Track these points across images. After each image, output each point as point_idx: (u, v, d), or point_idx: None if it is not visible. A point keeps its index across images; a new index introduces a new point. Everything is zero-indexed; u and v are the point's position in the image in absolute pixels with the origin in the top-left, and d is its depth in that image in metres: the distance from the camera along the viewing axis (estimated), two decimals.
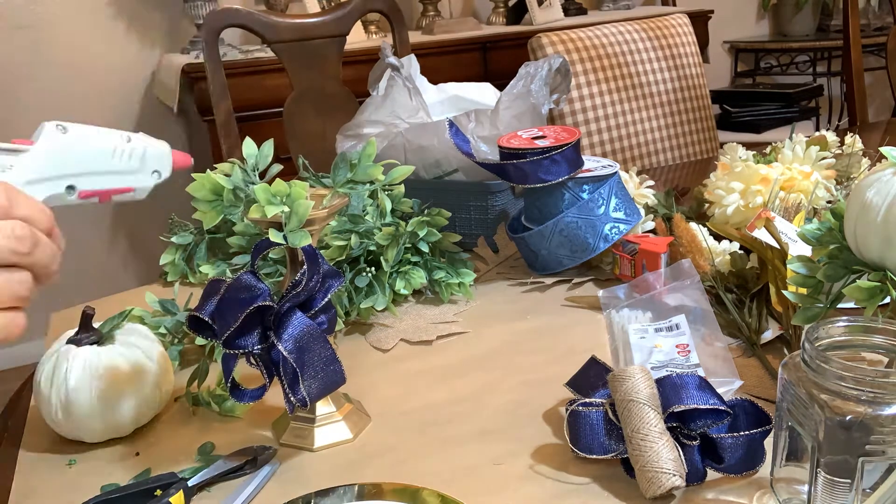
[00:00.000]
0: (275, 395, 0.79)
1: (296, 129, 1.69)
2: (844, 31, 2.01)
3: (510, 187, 1.12)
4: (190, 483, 0.62)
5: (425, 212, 0.99)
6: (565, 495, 0.60)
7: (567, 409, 0.63)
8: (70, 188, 0.56)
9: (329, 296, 0.66)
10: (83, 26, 2.57)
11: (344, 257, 0.92)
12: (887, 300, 0.59)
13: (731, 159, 1.06)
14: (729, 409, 0.59)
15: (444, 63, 2.53)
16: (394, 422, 0.73)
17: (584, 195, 0.98)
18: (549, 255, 0.99)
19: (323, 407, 0.70)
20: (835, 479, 0.50)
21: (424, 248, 0.96)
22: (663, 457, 0.57)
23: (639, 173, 1.14)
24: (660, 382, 0.61)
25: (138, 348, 0.72)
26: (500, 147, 1.01)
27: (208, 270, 0.99)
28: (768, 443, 0.59)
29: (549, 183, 0.96)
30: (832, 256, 0.65)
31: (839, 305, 0.64)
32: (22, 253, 0.48)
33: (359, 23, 2.41)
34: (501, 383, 0.78)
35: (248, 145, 0.90)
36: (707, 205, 1.06)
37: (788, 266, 0.68)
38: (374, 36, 2.73)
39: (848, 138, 1.18)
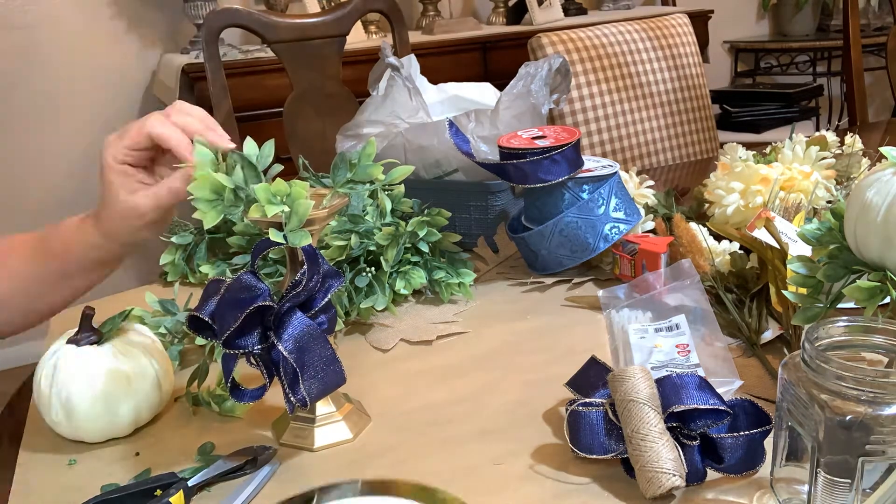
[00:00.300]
0: (275, 395, 0.79)
1: (296, 129, 1.69)
2: (844, 31, 2.01)
3: (510, 187, 1.12)
4: (190, 483, 0.62)
5: (425, 212, 0.99)
6: (565, 495, 0.60)
7: (567, 409, 0.63)
8: None
9: (329, 296, 0.66)
10: (83, 26, 2.57)
11: (344, 257, 0.92)
12: (887, 300, 0.59)
13: (731, 159, 1.06)
14: (729, 409, 0.59)
15: (444, 63, 2.53)
16: (394, 422, 0.73)
17: (584, 195, 0.98)
18: (549, 255, 0.99)
19: (323, 407, 0.70)
20: (835, 479, 0.51)
21: (424, 248, 0.96)
22: (663, 457, 0.57)
23: (639, 173, 1.14)
24: (660, 382, 0.61)
25: (138, 348, 0.72)
26: (500, 147, 1.01)
27: (208, 270, 0.99)
28: (768, 443, 0.59)
29: (549, 183, 0.96)
30: (832, 256, 0.65)
31: (839, 305, 0.64)
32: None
33: (359, 23, 2.41)
34: (501, 383, 0.78)
35: (249, 145, 0.90)
36: (707, 205, 1.06)
37: (788, 266, 0.68)
38: (374, 36, 2.73)
39: (848, 138, 1.18)
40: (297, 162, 1.08)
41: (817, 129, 2.52)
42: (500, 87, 1.18)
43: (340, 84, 1.70)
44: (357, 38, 2.48)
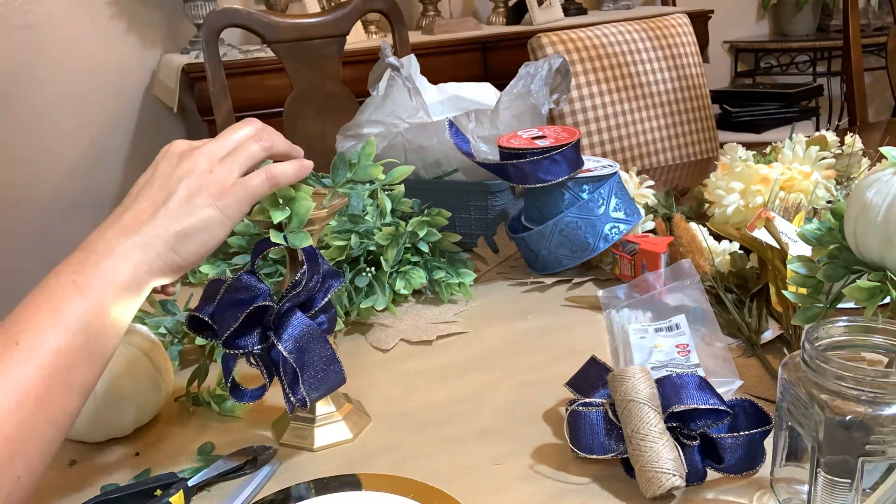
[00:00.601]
0: (275, 395, 0.79)
1: (296, 129, 1.69)
2: (844, 31, 2.01)
3: (510, 187, 1.12)
4: (190, 483, 0.63)
5: (425, 212, 0.99)
6: (565, 495, 0.60)
7: (567, 409, 0.63)
8: None
9: (329, 296, 0.66)
10: (83, 26, 2.57)
11: (344, 257, 0.92)
12: (887, 300, 0.59)
13: (731, 159, 1.06)
14: (729, 409, 0.59)
15: (444, 63, 2.53)
16: (394, 422, 0.73)
17: (584, 195, 0.98)
18: (549, 255, 0.99)
19: (323, 407, 0.70)
20: (835, 479, 0.50)
21: (424, 248, 0.96)
22: (663, 457, 0.57)
23: (639, 173, 1.14)
24: (660, 382, 0.61)
25: (137, 348, 0.72)
26: (500, 147, 1.01)
27: (208, 270, 0.99)
28: (768, 443, 0.59)
29: (549, 183, 0.96)
30: (832, 256, 0.65)
31: (839, 305, 0.64)
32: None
33: (359, 23, 2.41)
34: (501, 383, 0.78)
35: None
36: (707, 205, 1.06)
37: (788, 266, 0.68)
38: (374, 36, 2.73)
39: (848, 138, 1.18)
40: None
41: (817, 129, 2.52)
42: (500, 87, 1.18)
43: (340, 84, 1.70)
44: (357, 38, 2.48)
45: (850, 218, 0.62)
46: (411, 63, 1.26)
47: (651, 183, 1.12)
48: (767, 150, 1.11)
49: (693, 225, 0.95)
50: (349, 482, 0.63)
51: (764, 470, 0.60)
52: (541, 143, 0.98)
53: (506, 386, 0.78)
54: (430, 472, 0.64)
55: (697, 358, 0.75)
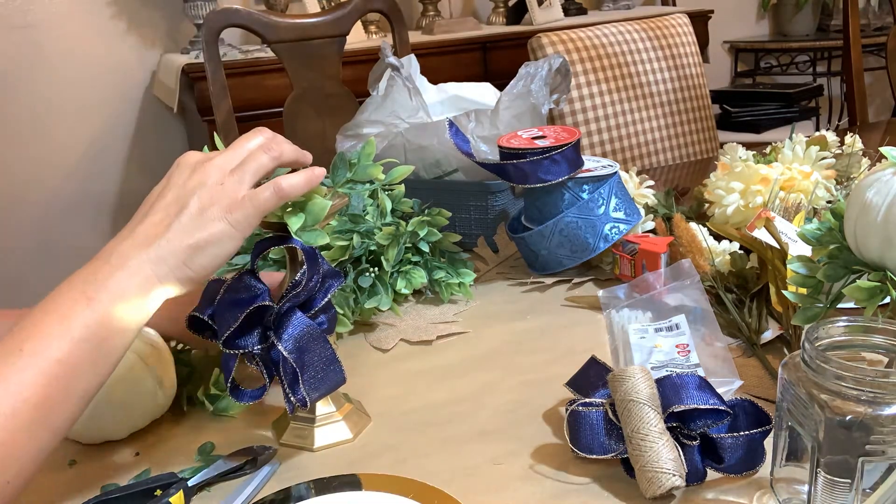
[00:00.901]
0: (275, 396, 0.79)
1: (296, 129, 1.69)
2: (844, 31, 2.01)
3: (510, 187, 1.12)
4: (190, 483, 0.62)
5: (425, 212, 0.99)
6: (565, 495, 0.60)
7: (567, 409, 0.63)
8: None
9: (329, 296, 0.66)
10: (83, 26, 2.57)
11: (346, 257, 0.92)
12: (887, 300, 0.59)
13: (731, 159, 1.06)
14: (729, 409, 0.59)
15: (444, 63, 2.53)
16: (394, 422, 0.73)
17: (584, 195, 0.98)
18: (549, 255, 0.99)
19: (323, 407, 0.70)
20: (835, 479, 0.50)
21: (425, 247, 0.96)
22: (663, 457, 0.57)
23: (639, 173, 1.14)
24: (660, 382, 0.61)
25: (135, 352, 0.71)
26: (500, 147, 1.01)
27: None
28: (768, 443, 0.59)
29: (549, 183, 0.96)
30: (832, 256, 0.65)
31: (839, 305, 0.64)
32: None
33: (359, 23, 2.41)
34: (501, 383, 0.78)
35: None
36: (707, 205, 1.06)
37: (788, 266, 0.68)
38: (374, 36, 2.73)
39: (848, 138, 1.18)
40: None
41: (817, 129, 2.52)
42: (500, 87, 1.18)
43: (340, 84, 1.70)
44: (357, 38, 2.48)
45: (850, 218, 0.62)
46: (411, 63, 1.26)
47: (651, 183, 1.12)
48: (767, 150, 1.11)
49: (693, 225, 0.95)
50: (349, 482, 0.63)
51: (764, 470, 0.60)
52: (541, 143, 0.98)
53: (506, 386, 0.78)
54: (430, 472, 0.64)
55: (697, 358, 0.75)
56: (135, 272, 0.56)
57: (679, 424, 0.59)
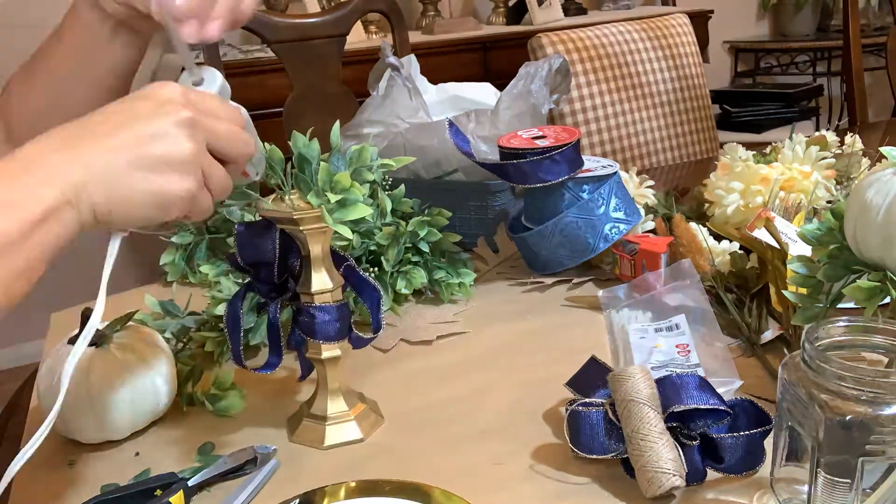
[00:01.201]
0: (275, 395, 0.79)
1: (296, 129, 1.69)
2: (844, 31, 2.01)
3: (510, 187, 1.12)
4: (190, 483, 0.62)
5: (425, 212, 0.99)
6: (565, 495, 0.60)
7: (567, 409, 0.63)
8: None
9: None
10: None
11: None
12: (887, 300, 0.59)
13: (731, 159, 1.06)
14: (729, 409, 0.59)
15: (444, 63, 2.53)
16: (394, 422, 0.73)
17: (584, 195, 0.98)
18: (549, 255, 0.99)
19: (335, 406, 0.70)
20: (835, 479, 0.51)
21: (425, 247, 0.96)
22: (663, 457, 0.57)
23: (639, 173, 1.14)
24: (660, 382, 0.61)
25: (135, 352, 0.71)
26: (500, 147, 1.01)
27: (208, 270, 0.99)
28: (768, 443, 0.59)
29: (549, 183, 0.96)
30: (832, 256, 0.65)
31: (839, 305, 0.64)
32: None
33: (359, 23, 2.41)
34: (501, 383, 0.78)
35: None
36: (707, 205, 1.06)
37: (788, 266, 0.68)
38: (374, 36, 2.73)
39: (848, 138, 1.18)
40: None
41: (817, 129, 2.52)
42: (500, 87, 1.18)
43: (340, 84, 1.70)
44: (357, 38, 2.48)
45: (850, 218, 0.62)
46: (411, 63, 1.26)
47: (651, 183, 1.12)
48: (767, 150, 1.11)
49: (693, 225, 0.95)
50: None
51: (764, 470, 0.60)
52: (541, 143, 0.98)
53: (506, 386, 0.78)
54: (430, 472, 0.64)
55: (697, 358, 0.75)
56: (41, 182, 0.46)
57: (679, 424, 0.59)
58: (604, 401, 0.62)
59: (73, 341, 0.71)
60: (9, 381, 1.90)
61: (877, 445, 0.49)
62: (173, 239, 1.05)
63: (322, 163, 0.65)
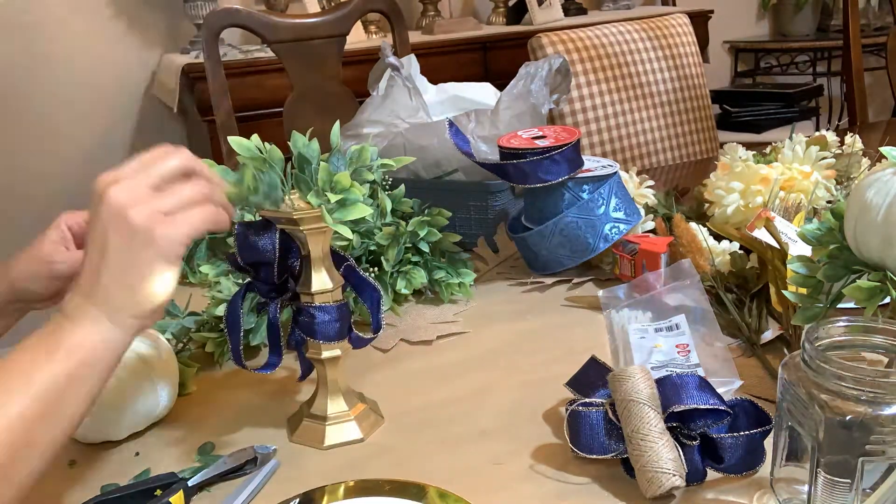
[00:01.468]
0: (275, 395, 0.79)
1: (296, 129, 1.69)
2: (844, 31, 2.01)
3: (510, 187, 1.12)
4: (190, 483, 0.62)
5: (425, 212, 0.99)
6: (565, 495, 0.60)
7: (567, 409, 0.63)
8: None
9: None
10: (83, 26, 2.57)
11: None
12: (887, 300, 0.59)
13: (731, 159, 1.06)
14: (729, 409, 0.59)
15: (444, 63, 2.53)
16: (394, 422, 0.73)
17: (584, 195, 0.98)
18: (549, 255, 0.99)
19: (335, 406, 0.70)
20: (835, 479, 0.51)
21: (425, 247, 0.96)
22: (663, 457, 0.57)
23: (639, 173, 1.14)
24: (660, 382, 0.61)
25: (135, 353, 0.71)
26: (500, 147, 1.01)
27: (208, 270, 0.99)
28: (768, 443, 0.59)
29: (549, 183, 0.96)
30: (832, 256, 0.65)
31: (839, 305, 0.64)
32: None
33: (359, 23, 2.41)
34: (501, 383, 0.78)
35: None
36: (707, 205, 1.06)
37: (788, 266, 0.68)
38: (374, 36, 2.73)
39: (848, 138, 1.18)
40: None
41: (817, 129, 2.52)
42: (500, 87, 1.18)
43: (340, 84, 1.70)
44: (357, 38, 2.48)
45: (850, 218, 0.62)
46: (411, 63, 1.26)
47: (651, 183, 1.12)
48: (767, 150, 1.11)
49: (693, 225, 0.95)
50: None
51: (764, 470, 0.60)
52: (541, 143, 0.98)
53: (506, 386, 0.78)
54: (429, 471, 0.64)
55: (697, 358, 0.75)
56: (90, 323, 0.54)
57: (679, 424, 0.59)
58: (604, 401, 0.62)
59: None
60: None
61: (877, 445, 0.49)
62: None
63: (322, 163, 0.65)
